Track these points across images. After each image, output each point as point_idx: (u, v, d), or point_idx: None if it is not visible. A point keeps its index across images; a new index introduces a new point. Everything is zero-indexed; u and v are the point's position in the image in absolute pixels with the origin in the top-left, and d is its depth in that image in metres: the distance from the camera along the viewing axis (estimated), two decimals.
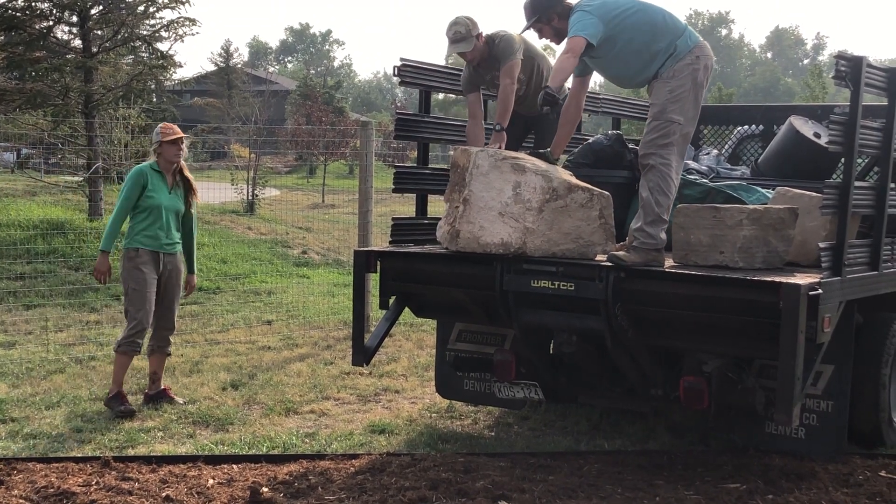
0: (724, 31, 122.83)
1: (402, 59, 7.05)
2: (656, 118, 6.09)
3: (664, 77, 6.17)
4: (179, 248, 7.76)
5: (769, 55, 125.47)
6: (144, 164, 7.78)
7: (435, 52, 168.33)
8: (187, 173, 7.85)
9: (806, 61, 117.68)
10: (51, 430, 6.97)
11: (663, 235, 5.95)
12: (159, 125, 7.84)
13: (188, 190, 7.80)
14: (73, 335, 10.40)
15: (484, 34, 7.03)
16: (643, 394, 6.31)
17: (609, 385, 6.54)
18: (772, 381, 5.67)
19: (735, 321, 5.50)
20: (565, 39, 6.30)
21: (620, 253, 5.91)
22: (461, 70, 7.80)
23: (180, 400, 7.69)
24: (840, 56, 5.45)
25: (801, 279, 5.29)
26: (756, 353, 5.81)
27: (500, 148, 6.64)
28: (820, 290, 5.22)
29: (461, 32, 6.91)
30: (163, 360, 7.82)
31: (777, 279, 5.24)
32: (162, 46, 18.75)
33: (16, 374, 8.58)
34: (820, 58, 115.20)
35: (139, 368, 8.34)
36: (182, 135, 7.75)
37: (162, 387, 7.77)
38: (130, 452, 6.46)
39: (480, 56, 7.04)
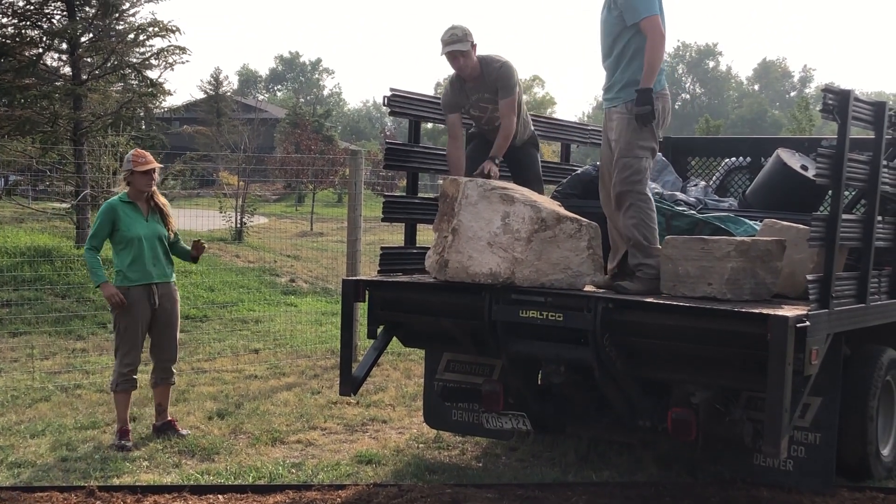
0: (711, 63, 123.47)
1: (391, 90, 7.07)
2: (625, 155, 6.26)
3: (625, 111, 6.29)
4: (173, 276, 7.68)
5: (756, 87, 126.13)
6: (114, 197, 7.56)
7: (424, 82, 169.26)
8: (159, 199, 7.61)
9: (793, 93, 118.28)
10: (35, 458, 6.93)
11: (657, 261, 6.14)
12: (130, 152, 7.58)
13: (164, 216, 7.61)
14: (59, 363, 10.36)
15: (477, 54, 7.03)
16: (631, 425, 6.29)
17: (597, 416, 6.52)
18: (760, 413, 5.66)
19: (723, 353, 5.50)
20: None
21: (626, 283, 6.07)
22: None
23: (185, 431, 7.64)
24: (828, 90, 5.49)
25: (789, 311, 5.30)
26: (744, 384, 5.81)
27: (490, 173, 6.68)
28: (807, 323, 5.23)
29: (457, 35, 6.89)
30: (167, 391, 7.74)
31: (765, 311, 5.25)
32: (152, 74, 18.76)
33: (0, 402, 8.53)
34: (807, 90, 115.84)
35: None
36: (155, 165, 7.51)
37: (168, 418, 7.72)
38: (116, 482, 6.42)
39: (472, 71, 7.01)
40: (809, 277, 5.49)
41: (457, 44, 6.89)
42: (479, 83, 7.07)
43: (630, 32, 6.29)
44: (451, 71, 7.10)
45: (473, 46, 6.96)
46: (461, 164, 7.06)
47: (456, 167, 7.03)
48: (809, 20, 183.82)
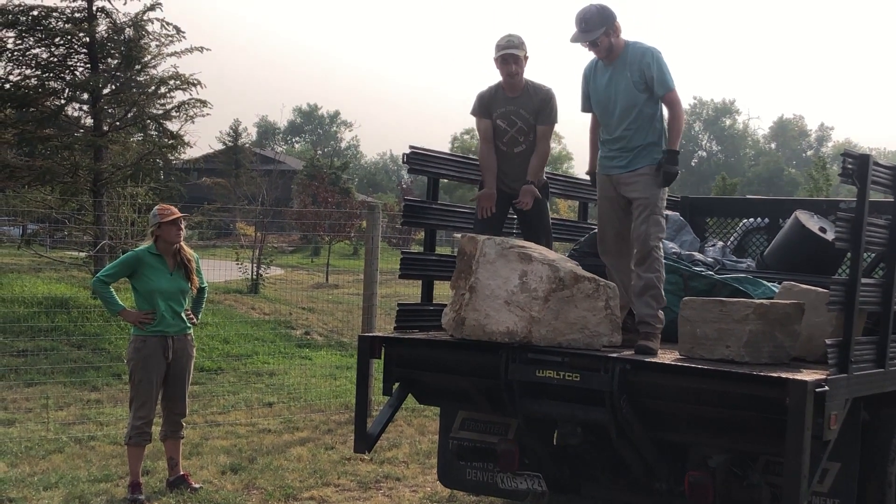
0: (728, 121, 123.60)
1: (411, 147, 7.10)
2: (654, 212, 6.53)
3: (649, 172, 6.56)
4: (190, 330, 7.69)
5: (773, 145, 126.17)
6: (142, 248, 7.63)
7: (441, 136, 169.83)
8: (186, 254, 7.66)
9: (809, 152, 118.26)
10: None
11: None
12: (156, 207, 7.68)
13: (189, 272, 7.66)
14: (74, 414, 10.35)
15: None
16: (647, 487, 6.24)
17: (613, 478, 6.47)
18: (778, 477, 5.61)
19: (741, 416, 5.46)
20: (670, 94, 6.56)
21: (649, 343, 6.16)
22: (467, 158, 7.88)
23: (198, 486, 7.60)
24: (847, 154, 5.50)
25: (808, 375, 5.27)
26: (762, 448, 5.76)
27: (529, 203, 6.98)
28: (826, 387, 5.19)
29: (514, 42, 7.04)
30: (177, 445, 7.72)
31: (783, 375, 5.22)
32: (172, 126, 18.91)
33: (14, 453, 8.52)
34: (823, 149, 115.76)
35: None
36: (181, 214, 7.60)
37: (181, 472, 7.68)
38: None
39: (518, 81, 7.13)
40: (828, 341, 5.46)
41: (513, 49, 7.02)
42: (519, 97, 7.16)
43: (650, 100, 6.59)
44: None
45: (525, 58, 7.11)
46: (493, 165, 7.22)
47: (488, 168, 7.21)
48: (827, 78, 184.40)
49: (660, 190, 6.57)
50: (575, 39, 6.58)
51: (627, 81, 6.57)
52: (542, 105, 7.16)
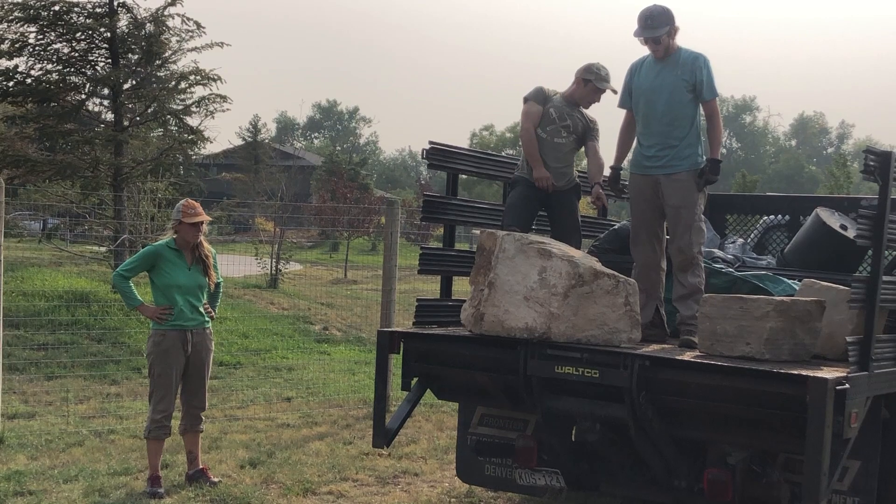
0: (748, 118, 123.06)
1: (430, 143, 7.10)
2: (695, 220, 6.69)
3: (689, 179, 6.72)
4: (209, 324, 7.71)
5: (793, 143, 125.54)
6: (161, 242, 7.65)
7: (460, 131, 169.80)
8: (205, 250, 7.65)
9: (830, 150, 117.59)
10: None
11: None
12: (181, 202, 7.66)
13: (207, 268, 7.67)
14: (93, 407, 10.40)
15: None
16: (666, 485, 6.21)
17: (632, 475, 6.45)
18: (797, 475, 5.59)
19: (761, 414, 5.43)
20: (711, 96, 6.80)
21: (696, 339, 6.20)
22: (486, 153, 7.90)
23: (217, 480, 7.62)
24: (869, 151, 5.46)
25: (829, 373, 5.24)
26: (782, 446, 5.73)
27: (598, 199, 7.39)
28: (847, 385, 5.16)
29: (607, 73, 7.31)
30: (196, 439, 7.74)
31: (804, 372, 5.19)
32: (192, 122, 18.97)
33: (35, 446, 8.56)
34: (844, 147, 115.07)
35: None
36: (203, 218, 7.56)
37: (200, 466, 7.71)
38: None
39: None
40: (849, 339, 5.44)
41: (610, 82, 7.27)
42: (571, 102, 7.36)
43: (692, 102, 6.79)
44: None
45: None
46: (535, 145, 7.29)
47: (535, 147, 7.27)
48: (848, 76, 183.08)
49: (698, 195, 6.75)
50: (638, 34, 6.81)
51: (677, 79, 6.76)
52: (592, 125, 7.43)
